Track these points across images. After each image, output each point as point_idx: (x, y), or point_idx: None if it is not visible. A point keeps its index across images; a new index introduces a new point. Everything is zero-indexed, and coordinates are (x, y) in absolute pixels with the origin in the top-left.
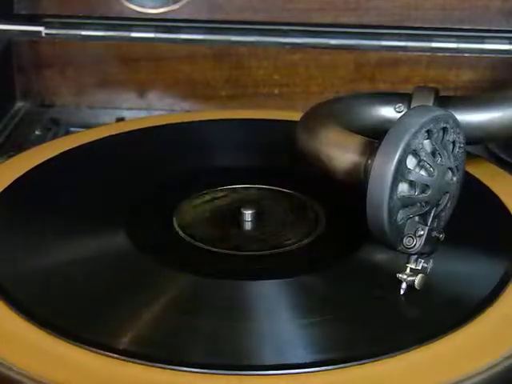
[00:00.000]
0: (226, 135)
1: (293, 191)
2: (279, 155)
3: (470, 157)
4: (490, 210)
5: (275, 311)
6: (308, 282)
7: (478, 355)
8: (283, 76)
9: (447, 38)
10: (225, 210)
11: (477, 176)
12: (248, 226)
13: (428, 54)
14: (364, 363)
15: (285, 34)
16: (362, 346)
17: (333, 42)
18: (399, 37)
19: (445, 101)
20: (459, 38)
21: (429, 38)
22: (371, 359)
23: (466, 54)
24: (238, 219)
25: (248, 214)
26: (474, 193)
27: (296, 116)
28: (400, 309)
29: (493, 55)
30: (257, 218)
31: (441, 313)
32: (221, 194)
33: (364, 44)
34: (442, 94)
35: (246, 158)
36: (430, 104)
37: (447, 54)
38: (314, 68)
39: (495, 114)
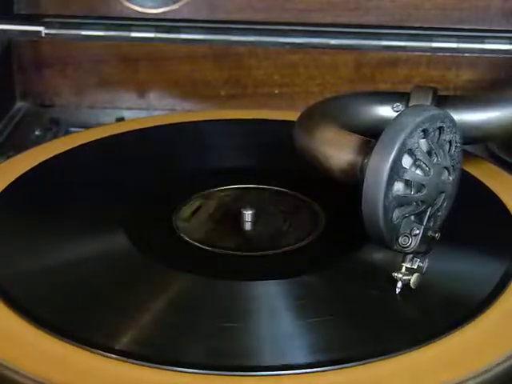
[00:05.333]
0: (226, 135)
1: (293, 191)
2: (279, 155)
3: (469, 156)
4: (490, 210)
5: (275, 311)
6: (308, 282)
7: (478, 355)
8: (283, 76)
9: (447, 38)
10: (225, 211)
11: (476, 176)
12: (248, 226)
13: (428, 54)
14: (364, 364)
15: (285, 34)
16: (362, 346)
17: (333, 42)
18: (399, 37)
19: (443, 100)
20: (459, 38)
21: (429, 38)
22: (371, 359)
23: (466, 54)
24: (238, 219)
25: (248, 215)
26: (473, 193)
27: (296, 116)
28: (400, 309)
29: (493, 55)
30: (257, 218)
31: (441, 313)
32: (221, 194)
33: (364, 44)
34: (442, 93)
35: (246, 158)
36: (428, 103)
37: (447, 54)
38: (313, 68)
39: (493, 114)
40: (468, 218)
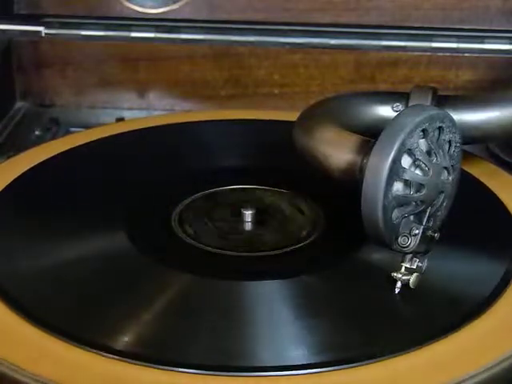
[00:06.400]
0: (226, 135)
1: (293, 191)
2: (279, 155)
3: (469, 156)
4: (490, 210)
5: (275, 311)
6: (308, 282)
7: (478, 356)
8: (283, 76)
9: (447, 38)
10: (225, 211)
11: (476, 176)
12: (248, 226)
13: (428, 54)
14: (364, 364)
15: (285, 34)
16: (361, 346)
17: (333, 41)
18: (399, 37)
19: (443, 100)
20: (459, 38)
21: (429, 38)
22: (371, 360)
23: (466, 54)
24: (238, 219)
25: (248, 215)
26: (473, 193)
27: (296, 116)
28: (400, 309)
29: (493, 55)
30: (257, 218)
31: (441, 313)
32: (221, 194)
33: (364, 44)
34: (442, 93)
35: (246, 158)
36: (428, 103)
37: (447, 54)
38: (314, 68)
39: (493, 114)
40: (468, 218)
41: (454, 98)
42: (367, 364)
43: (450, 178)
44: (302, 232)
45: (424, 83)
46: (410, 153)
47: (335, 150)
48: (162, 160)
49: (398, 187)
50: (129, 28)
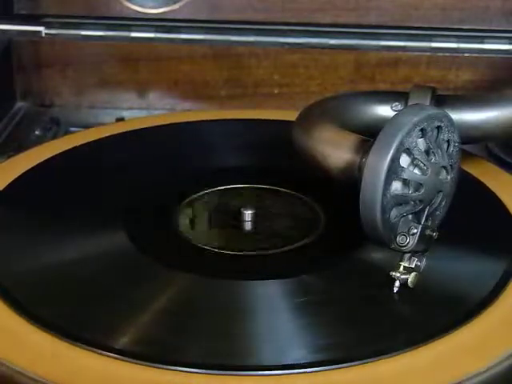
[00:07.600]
0: (226, 135)
1: (293, 191)
2: (279, 155)
3: (469, 156)
4: (490, 210)
5: (275, 311)
6: (308, 282)
7: (477, 355)
8: (283, 76)
9: (447, 38)
10: (225, 210)
11: (476, 176)
12: (248, 226)
13: (428, 54)
14: (364, 363)
15: (285, 34)
16: (362, 346)
17: (333, 41)
18: (399, 37)
19: (442, 100)
20: (459, 38)
21: (429, 38)
22: (371, 359)
23: (466, 54)
24: (238, 219)
25: (248, 214)
26: (473, 192)
27: (295, 116)
28: (400, 309)
29: (493, 55)
30: (257, 218)
31: (441, 313)
32: (221, 194)
33: (364, 44)
34: (441, 93)
35: (246, 158)
36: (427, 103)
37: (447, 54)
38: (314, 68)
39: (492, 114)
40: (468, 218)
41: (454, 97)
42: (367, 363)
43: (449, 178)
44: (301, 232)
45: (424, 83)
46: (409, 152)
47: (334, 149)
48: (162, 160)
49: (396, 186)
50: (129, 28)
